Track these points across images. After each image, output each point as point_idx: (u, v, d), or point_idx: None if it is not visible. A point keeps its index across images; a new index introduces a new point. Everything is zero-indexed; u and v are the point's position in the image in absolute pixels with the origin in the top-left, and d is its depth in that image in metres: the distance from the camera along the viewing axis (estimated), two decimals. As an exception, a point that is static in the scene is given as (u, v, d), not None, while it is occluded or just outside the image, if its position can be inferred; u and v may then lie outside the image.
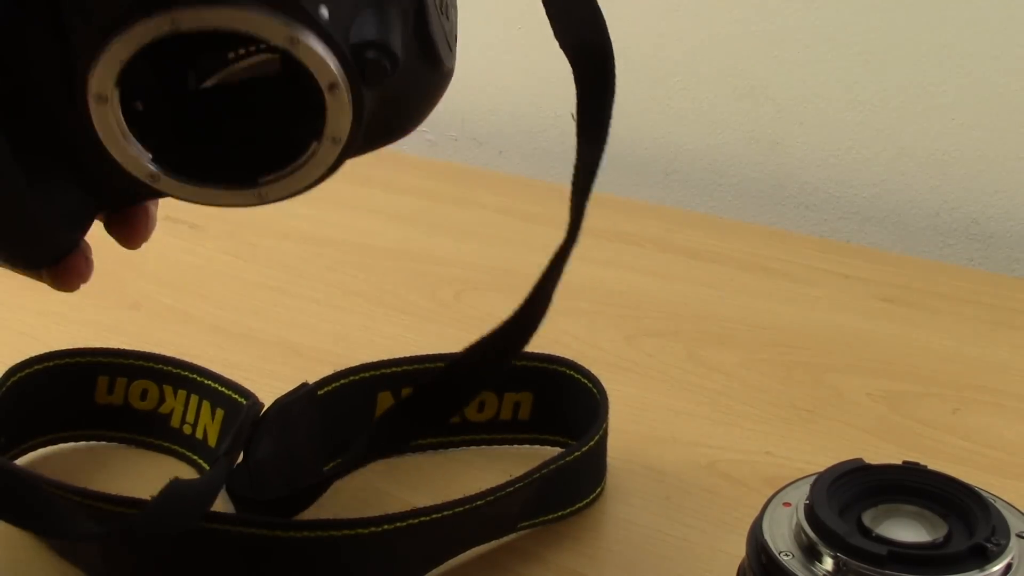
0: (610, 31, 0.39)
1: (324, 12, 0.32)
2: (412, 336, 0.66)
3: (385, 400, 0.55)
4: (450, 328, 0.67)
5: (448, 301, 0.71)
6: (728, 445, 0.57)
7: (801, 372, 0.63)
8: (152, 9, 0.31)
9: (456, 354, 0.44)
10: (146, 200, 0.39)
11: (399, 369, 0.55)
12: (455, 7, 0.38)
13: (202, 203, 0.36)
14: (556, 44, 0.40)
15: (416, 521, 0.45)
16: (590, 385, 0.54)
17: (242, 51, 0.34)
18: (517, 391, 0.55)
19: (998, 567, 0.36)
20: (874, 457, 0.41)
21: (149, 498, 0.46)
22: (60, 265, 0.38)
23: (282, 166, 0.35)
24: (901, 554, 0.36)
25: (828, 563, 0.37)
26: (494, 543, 0.49)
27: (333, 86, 0.33)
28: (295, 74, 0.33)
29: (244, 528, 0.45)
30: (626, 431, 0.55)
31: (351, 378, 0.54)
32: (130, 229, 0.39)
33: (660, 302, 0.72)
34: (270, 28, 0.32)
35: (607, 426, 0.52)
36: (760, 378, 0.63)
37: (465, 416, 0.56)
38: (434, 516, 0.45)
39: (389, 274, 0.75)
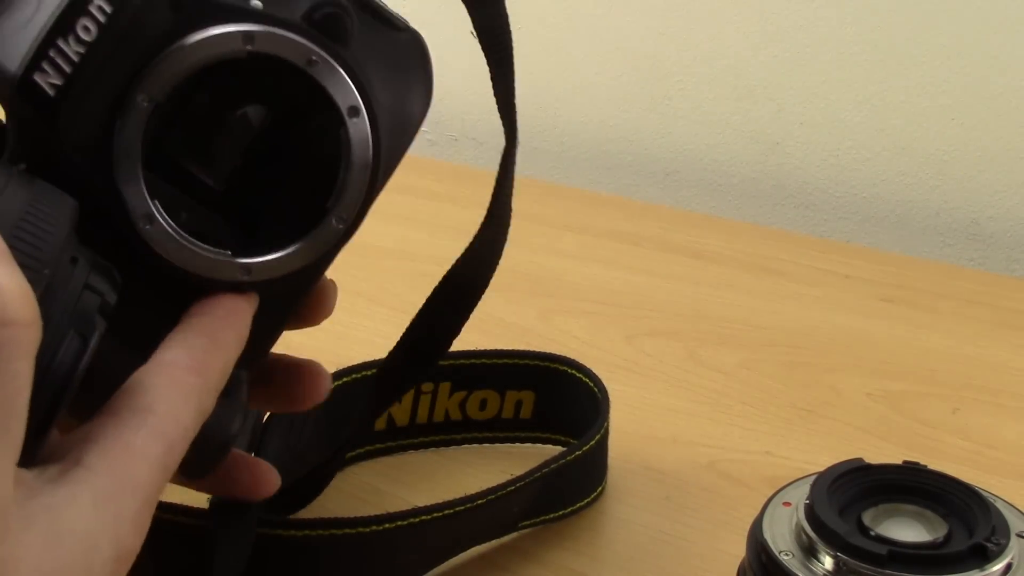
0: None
1: (257, 2, 0.33)
2: (412, 336, 0.66)
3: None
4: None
5: (448, 301, 0.71)
6: (728, 445, 0.57)
7: (801, 372, 0.63)
8: (124, 102, 0.32)
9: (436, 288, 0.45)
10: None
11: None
12: None
13: (299, 264, 0.36)
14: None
15: (416, 521, 0.45)
16: (592, 384, 0.54)
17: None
18: (519, 390, 0.55)
19: (998, 567, 0.36)
20: (874, 457, 0.41)
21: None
22: None
23: (334, 182, 0.35)
24: (901, 554, 0.36)
25: (828, 563, 0.37)
26: (494, 543, 0.49)
27: (311, 62, 0.33)
28: (282, 94, 0.34)
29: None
30: (626, 431, 0.55)
31: (353, 376, 0.54)
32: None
33: (660, 302, 0.72)
34: (224, 43, 0.32)
35: (608, 425, 0.52)
36: (760, 378, 0.63)
37: (467, 414, 0.56)
38: (434, 516, 0.45)
39: (389, 274, 0.74)
